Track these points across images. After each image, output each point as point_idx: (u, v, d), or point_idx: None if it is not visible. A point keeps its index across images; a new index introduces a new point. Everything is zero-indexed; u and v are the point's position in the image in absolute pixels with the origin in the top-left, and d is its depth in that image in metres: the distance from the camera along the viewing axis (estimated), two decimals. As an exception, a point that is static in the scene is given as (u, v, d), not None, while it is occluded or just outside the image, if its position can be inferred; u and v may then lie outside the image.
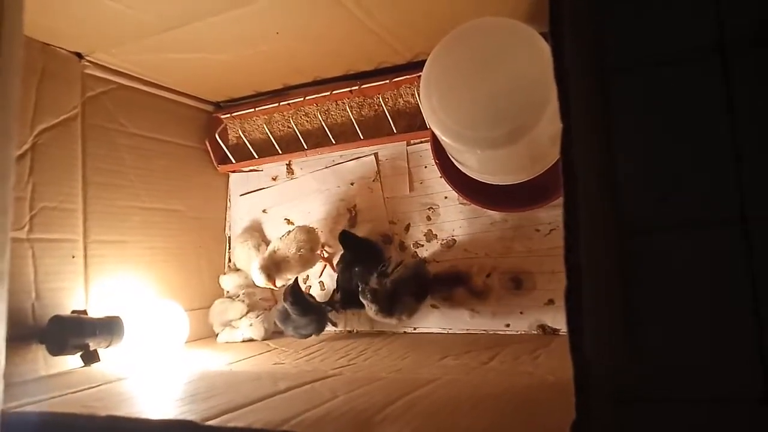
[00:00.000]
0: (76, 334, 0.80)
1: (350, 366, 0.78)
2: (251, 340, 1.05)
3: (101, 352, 0.84)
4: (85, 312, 0.85)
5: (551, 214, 0.92)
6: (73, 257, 0.87)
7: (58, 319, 0.80)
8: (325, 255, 1.11)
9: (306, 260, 1.01)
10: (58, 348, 0.79)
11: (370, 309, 0.89)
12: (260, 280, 0.98)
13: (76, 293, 0.86)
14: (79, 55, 0.92)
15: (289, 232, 1.02)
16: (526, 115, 0.66)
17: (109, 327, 0.84)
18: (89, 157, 0.92)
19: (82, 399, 0.60)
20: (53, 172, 0.86)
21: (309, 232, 1.03)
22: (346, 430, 0.42)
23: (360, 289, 0.91)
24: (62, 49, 0.89)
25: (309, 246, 1.01)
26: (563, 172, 0.36)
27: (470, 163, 0.80)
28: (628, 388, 0.33)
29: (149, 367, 0.83)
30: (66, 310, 0.83)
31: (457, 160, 0.83)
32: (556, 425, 0.43)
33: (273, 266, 0.99)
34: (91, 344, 0.81)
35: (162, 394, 0.62)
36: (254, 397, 0.54)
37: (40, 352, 0.79)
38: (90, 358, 0.81)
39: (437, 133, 0.70)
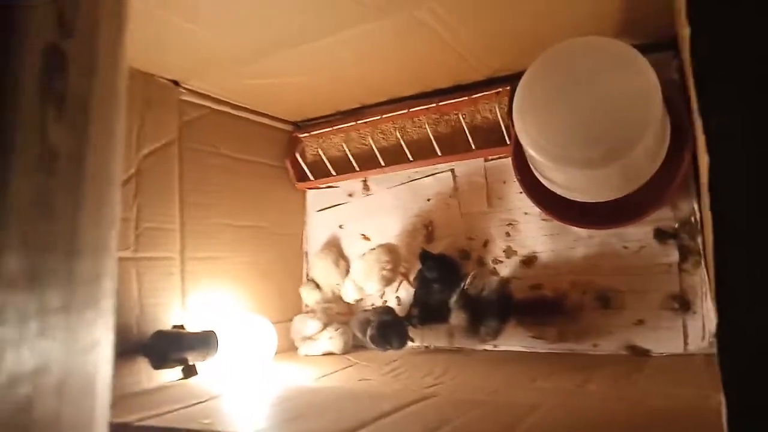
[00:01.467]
0: (176, 348, 0.84)
1: (440, 385, 0.78)
2: (330, 353, 1.07)
3: (198, 365, 0.88)
4: (182, 327, 0.90)
5: (641, 231, 0.89)
6: (172, 274, 0.92)
7: (160, 334, 0.84)
8: (402, 270, 1.12)
9: (388, 280, 1.03)
10: (160, 362, 0.83)
11: (459, 324, 0.88)
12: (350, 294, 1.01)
13: (173, 308, 0.91)
14: (176, 83, 0.97)
15: (372, 250, 1.05)
16: (626, 135, 0.65)
17: (206, 341, 0.88)
18: (185, 179, 0.97)
19: (197, 414, 0.63)
20: (154, 195, 0.91)
21: (392, 251, 1.05)
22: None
23: (449, 302, 0.91)
24: (161, 77, 0.95)
25: (391, 266, 1.03)
26: (714, 221, 0.35)
27: (559, 180, 0.79)
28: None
29: (243, 380, 0.86)
30: (165, 325, 0.88)
31: (544, 177, 0.82)
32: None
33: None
34: (189, 358, 0.85)
35: (268, 413, 0.64)
36: (361, 419, 0.55)
37: (142, 365, 0.84)
38: (189, 371, 0.85)
39: (530, 152, 0.70)
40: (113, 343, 0.49)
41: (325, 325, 1.10)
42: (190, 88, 0.99)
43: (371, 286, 1.08)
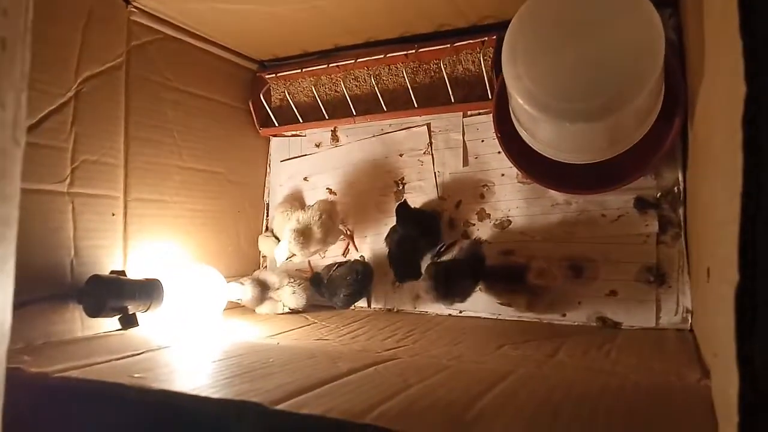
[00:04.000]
0: (115, 295, 0.76)
1: (402, 348, 0.73)
2: (293, 311, 1.00)
3: (139, 316, 0.80)
4: (123, 273, 0.81)
5: (621, 199, 0.85)
6: (113, 215, 0.83)
7: (97, 279, 0.76)
8: (347, 230, 1.07)
9: (327, 228, 0.96)
10: (96, 309, 0.75)
11: (427, 289, 0.83)
12: (296, 247, 0.94)
13: (114, 253, 0.82)
14: (126, 1, 0.86)
15: (312, 205, 0.99)
16: (625, 87, 0.60)
17: (149, 290, 0.80)
18: (132, 110, 0.87)
19: (129, 367, 0.56)
20: (96, 124, 0.81)
21: (330, 203, 1.02)
22: (437, 428, 0.37)
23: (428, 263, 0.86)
24: (109, -9, 0.84)
25: (328, 215, 0.97)
26: (745, 146, 0.29)
27: (545, 137, 0.73)
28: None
29: (189, 334, 0.79)
30: (104, 270, 0.80)
31: (528, 134, 0.76)
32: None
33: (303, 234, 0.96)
34: (129, 307, 0.77)
35: (212, 368, 0.57)
36: (317, 378, 0.50)
37: (77, 312, 0.76)
38: (129, 321, 0.77)
39: (520, 102, 0.64)
40: (14, 287, 0.40)
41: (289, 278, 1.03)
42: (142, 7, 0.88)
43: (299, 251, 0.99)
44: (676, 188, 0.82)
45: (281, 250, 0.96)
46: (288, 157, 1.17)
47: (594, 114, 0.60)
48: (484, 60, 0.94)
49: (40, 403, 0.53)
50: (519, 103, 0.64)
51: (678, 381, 0.52)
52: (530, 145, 0.79)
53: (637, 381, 0.52)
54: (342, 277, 0.95)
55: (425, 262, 0.89)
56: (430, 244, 0.93)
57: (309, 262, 1.08)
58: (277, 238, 1.05)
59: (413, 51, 0.99)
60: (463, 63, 0.98)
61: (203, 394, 0.45)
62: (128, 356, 0.61)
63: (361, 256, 1.07)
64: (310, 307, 1.03)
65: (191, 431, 0.46)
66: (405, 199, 1.00)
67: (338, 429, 0.38)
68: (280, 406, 0.41)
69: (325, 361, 0.58)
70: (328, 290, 0.96)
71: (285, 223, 1.07)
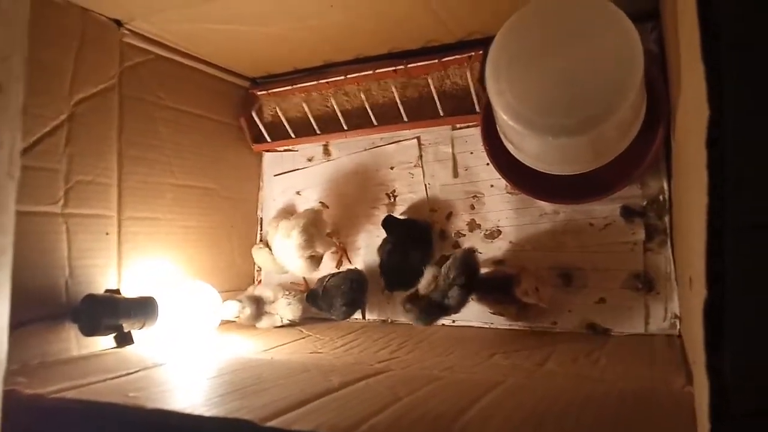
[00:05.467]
0: (110, 314, 0.77)
1: (394, 360, 0.74)
2: (291, 323, 1.01)
3: (134, 333, 0.81)
4: (118, 291, 0.82)
5: (607, 208, 0.87)
6: (107, 234, 0.84)
7: (91, 298, 0.76)
8: (339, 243, 1.08)
9: (310, 235, 0.98)
10: (91, 328, 0.76)
11: (414, 314, 0.84)
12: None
13: (108, 271, 0.83)
14: (118, 23, 0.88)
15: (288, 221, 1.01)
16: (605, 101, 0.61)
17: (143, 308, 0.81)
18: (125, 130, 0.88)
19: (124, 386, 0.57)
20: (90, 145, 0.82)
21: (315, 211, 1.04)
22: (426, 440, 0.38)
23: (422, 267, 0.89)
24: (102, 15, 0.85)
25: (311, 222, 0.99)
26: (709, 165, 0.31)
27: (530, 150, 0.75)
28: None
29: (184, 351, 0.80)
30: (99, 289, 0.80)
31: (514, 147, 0.78)
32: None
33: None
34: (125, 325, 0.78)
35: (206, 386, 0.58)
36: (308, 393, 0.51)
37: (72, 331, 0.76)
38: (124, 339, 0.78)
39: (504, 117, 0.65)
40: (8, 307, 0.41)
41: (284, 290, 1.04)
42: (133, 29, 0.89)
43: (293, 267, 1.01)
44: (661, 197, 0.84)
45: (229, 309, 0.97)
46: (281, 172, 1.18)
47: (576, 128, 0.62)
48: (471, 74, 0.95)
49: (37, 425, 0.54)
50: (502, 117, 0.66)
51: (664, 387, 0.53)
52: (517, 158, 0.80)
53: (623, 388, 0.53)
54: (336, 286, 0.96)
55: (419, 271, 0.90)
56: (421, 253, 0.95)
57: (304, 278, 1.09)
58: (269, 248, 1.06)
59: (402, 67, 1.01)
60: (451, 77, 1.00)
61: (196, 412, 0.46)
62: (123, 375, 0.62)
63: (355, 268, 1.08)
64: (305, 320, 1.04)
65: (186, 449, 0.47)
66: (389, 213, 1.02)
67: (328, 444, 0.39)
68: (270, 423, 0.42)
69: (317, 376, 0.59)
70: (325, 302, 0.97)
71: (275, 236, 1.08)
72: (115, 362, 0.70)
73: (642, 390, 0.53)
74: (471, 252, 0.90)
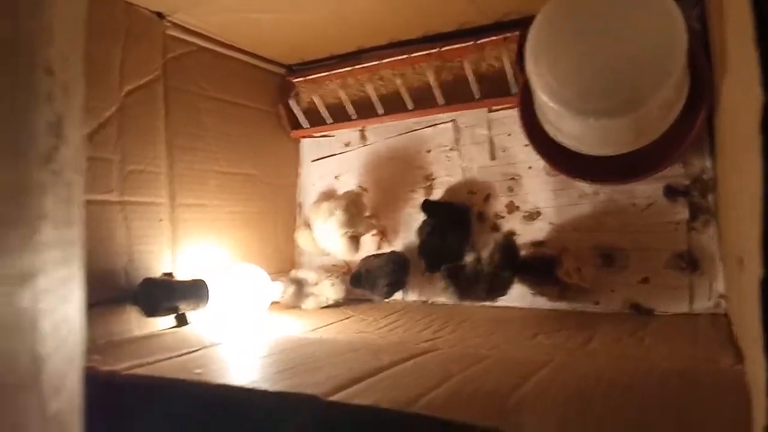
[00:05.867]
0: (167, 296, 0.81)
1: (439, 339, 0.76)
2: (334, 304, 1.04)
3: (188, 315, 0.85)
4: (172, 275, 0.86)
5: (650, 187, 0.86)
6: (161, 220, 0.88)
7: (149, 282, 0.81)
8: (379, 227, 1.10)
9: (351, 214, 1.00)
10: (150, 310, 0.80)
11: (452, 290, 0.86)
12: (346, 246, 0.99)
13: (163, 256, 0.87)
14: (161, 15, 0.90)
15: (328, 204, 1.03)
16: (647, 83, 0.61)
17: (196, 290, 0.85)
18: (171, 120, 0.91)
19: (188, 364, 0.60)
20: (139, 135, 0.86)
21: (356, 193, 1.07)
22: (481, 414, 0.40)
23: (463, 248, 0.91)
24: (145, 8, 0.88)
25: (352, 203, 1.02)
26: (763, 150, 0.31)
27: (569, 131, 0.75)
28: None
29: (236, 331, 0.83)
30: (155, 273, 0.85)
31: (553, 128, 0.78)
32: (706, 423, 0.39)
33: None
34: (181, 307, 0.82)
35: (262, 364, 0.61)
36: (361, 371, 0.53)
37: (132, 313, 0.81)
38: (180, 320, 0.83)
39: (544, 99, 0.66)
40: (85, 289, 0.45)
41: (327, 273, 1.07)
42: (175, 21, 0.92)
43: (335, 248, 1.03)
44: (704, 175, 0.83)
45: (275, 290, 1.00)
46: (319, 157, 1.20)
47: (618, 110, 0.62)
48: (507, 56, 0.95)
49: (113, 399, 0.58)
50: (542, 99, 0.66)
51: (711, 366, 0.54)
52: (556, 140, 0.80)
53: (668, 367, 0.54)
54: (380, 267, 0.98)
55: (458, 253, 0.92)
56: (460, 235, 0.96)
57: (345, 262, 1.12)
58: (311, 232, 1.09)
59: (436, 50, 1.01)
60: (487, 60, 1.00)
61: (259, 387, 0.49)
62: (185, 353, 0.66)
63: (396, 250, 1.10)
64: (348, 301, 1.06)
65: (248, 423, 0.50)
66: (427, 197, 1.04)
67: (389, 418, 0.41)
68: (333, 398, 0.44)
69: (366, 354, 0.61)
70: (368, 282, 0.99)
71: (316, 220, 1.11)
72: (174, 341, 0.74)
73: (688, 369, 0.54)
74: (511, 238, 0.90)
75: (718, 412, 0.41)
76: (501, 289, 0.85)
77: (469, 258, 0.87)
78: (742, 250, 0.56)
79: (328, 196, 1.17)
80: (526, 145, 0.95)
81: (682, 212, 0.84)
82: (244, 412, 0.50)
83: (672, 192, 0.85)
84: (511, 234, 0.91)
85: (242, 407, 0.50)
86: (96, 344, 0.72)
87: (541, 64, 0.65)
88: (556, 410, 0.40)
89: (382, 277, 0.97)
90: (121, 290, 0.80)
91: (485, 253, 0.86)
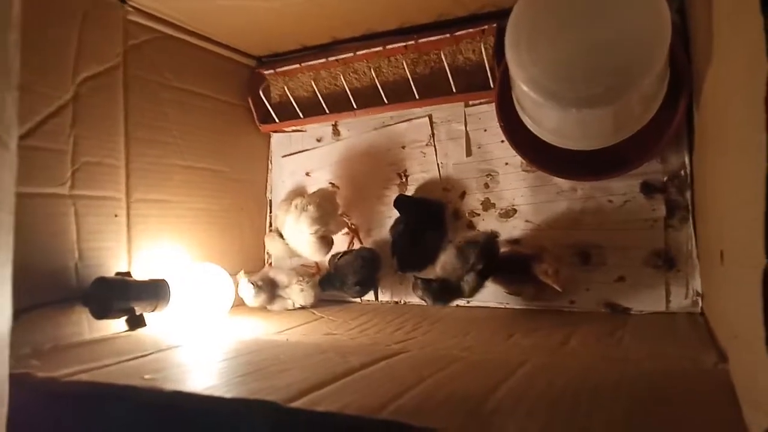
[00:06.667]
0: (121, 297, 0.76)
1: (411, 341, 0.72)
2: (302, 307, 1.00)
3: (147, 316, 0.80)
4: (129, 274, 0.81)
5: (627, 184, 0.85)
6: (116, 216, 0.82)
7: (102, 281, 0.75)
8: (351, 224, 1.06)
9: (325, 211, 0.97)
10: (102, 311, 0.74)
11: (426, 296, 0.82)
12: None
13: (119, 254, 0.82)
14: (122, 0, 0.85)
15: (297, 203, 0.98)
16: (632, 73, 0.59)
17: (155, 290, 0.80)
18: (132, 111, 0.86)
19: (139, 368, 0.55)
20: (96, 125, 0.80)
21: (329, 191, 1.04)
22: (457, 420, 0.36)
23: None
24: (104, -9, 0.82)
25: (325, 199, 0.99)
26: None
27: (549, 124, 0.73)
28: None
29: (198, 333, 0.78)
30: (110, 272, 0.79)
31: (532, 121, 0.76)
32: (695, 425, 0.37)
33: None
34: (136, 308, 0.77)
35: (224, 367, 0.57)
36: (329, 374, 0.49)
37: (84, 315, 0.75)
38: (136, 322, 0.77)
39: (524, 89, 0.63)
40: (18, 292, 0.40)
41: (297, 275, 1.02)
42: (138, 6, 0.87)
43: (304, 248, 0.99)
44: (682, 172, 0.82)
45: (246, 292, 0.95)
46: (289, 153, 1.16)
47: (599, 100, 0.59)
48: (485, 48, 0.93)
49: (51, 408, 0.53)
50: (523, 90, 0.63)
51: (693, 366, 0.52)
52: (535, 133, 0.78)
53: (652, 368, 0.52)
54: (349, 263, 0.94)
55: (432, 252, 0.89)
56: (433, 233, 0.93)
57: (316, 263, 1.08)
58: (281, 236, 1.04)
59: (413, 42, 0.98)
60: (464, 52, 0.97)
61: (216, 393, 0.44)
62: (137, 357, 0.61)
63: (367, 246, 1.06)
64: (317, 302, 1.02)
65: (205, 430, 0.45)
66: (401, 194, 1.01)
67: (355, 425, 0.37)
68: (294, 404, 0.40)
69: (335, 357, 0.57)
70: (338, 280, 0.95)
71: (286, 218, 1.06)
72: (128, 345, 0.69)
73: (671, 369, 0.52)
74: (493, 237, 0.87)
75: (706, 412, 0.38)
76: (471, 291, 0.82)
77: (443, 258, 0.84)
78: (723, 243, 0.54)
79: (298, 193, 1.13)
80: (503, 141, 0.93)
81: (659, 209, 0.82)
82: (200, 421, 0.46)
83: (649, 189, 0.83)
84: (494, 236, 0.88)
85: (197, 415, 0.46)
86: (39, 349, 0.66)
87: (522, 53, 0.63)
88: (541, 412, 0.36)
89: (351, 274, 0.94)
90: (71, 290, 0.74)
91: (464, 252, 0.82)
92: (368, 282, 0.96)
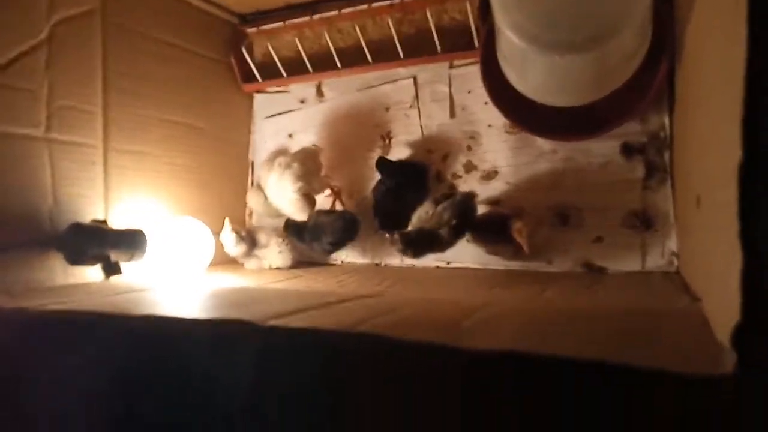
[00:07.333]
0: (97, 243, 0.75)
1: (392, 290, 0.72)
2: (277, 269, 0.99)
3: (123, 266, 0.78)
4: (105, 222, 0.79)
5: (607, 145, 0.85)
6: (93, 164, 0.80)
7: (77, 227, 0.74)
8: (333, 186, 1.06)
9: (308, 169, 0.96)
10: (76, 257, 0.73)
11: (401, 244, 0.82)
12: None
13: (95, 202, 0.80)
14: (99, -60, 0.83)
15: (281, 160, 0.97)
16: (615, 17, 0.59)
17: (131, 239, 0.78)
18: (110, 58, 0.84)
19: (113, 302, 0.55)
20: (72, 70, 0.78)
21: (313, 149, 1.02)
22: (433, 333, 0.36)
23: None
24: (81, -70, 0.80)
25: (309, 157, 0.98)
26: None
27: (533, 77, 0.73)
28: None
29: (174, 282, 0.78)
30: (85, 219, 0.78)
31: (516, 75, 0.76)
32: (677, 341, 0.37)
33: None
34: (112, 256, 0.76)
35: (199, 302, 0.56)
36: (306, 305, 0.49)
37: (57, 260, 0.74)
38: (111, 269, 0.76)
39: (509, 34, 0.63)
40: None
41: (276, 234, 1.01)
42: (116, -52, 0.85)
43: (287, 206, 0.97)
44: (662, 133, 0.82)
45: (227, 239, 0.95)
46: (272, 114, 1.14)
47: (584, 45, 0.60)
48: (470, 8, 0.92)
49: (19, 340, 0.52)
50: (508, 37, 0.63)
51: (668, 305, 0.53)
52: (517, 88, 0.78)
53: (628, 307, 0.52)
54: (329, 223, 0.94)
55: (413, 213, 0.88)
56: (415, 194, 0.93)
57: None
58: (264, 193, 1.03)
59: (398, 1, 0.97)
60: (449, 12, 0.97)
61: (191, 317, 0.44)
62: (111, 295, 0.60)
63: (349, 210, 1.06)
64: (295, 265, 1.02)
65: (181, 357, 0.45)
66: (381, 156, 1.00)
67: (331, 340, 0.37)
68: (271, 322, 0.40)
69: (314, 297, 0.57)
70: (311, 235, 0.95)
71: (269, 176, 1.05)
72: (102, 288, 0.68)
73: (647, 307, 0.53)
74: (470, 196, 0.88)
75: (680, 333, 0.39)
76: (445, 244, 0.82)
77: (420, 211, 0.84)
78: (701, 189, 0.55)
79: (281, 154, 1.11)
80: (486, 103, 0.92)
81: (638, 170, 0.83)
82: (172, 347, 0.45)
83: (629, 150, 0.84)
84: (471, 195, 0.88)
85: (170, 341, 0.45)
86: (10, 290, 0.65)
87: (506, -1, 0.63)
88: (509, 328, 0.37)
89: (330, 234, 0.93)
90: (44, 234, 0.72)
91: (439, 208, 0.83)
92: (341, 245, 0.96)
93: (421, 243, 0.81)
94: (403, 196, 0.95)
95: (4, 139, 0.69)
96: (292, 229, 0.97)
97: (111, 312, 0.47)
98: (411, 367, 0.33)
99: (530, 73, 0.71)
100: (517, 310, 0.45)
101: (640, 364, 0.27)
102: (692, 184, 0.62)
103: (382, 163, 0.98)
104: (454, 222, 0.82)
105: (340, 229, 0.94)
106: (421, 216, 0.84)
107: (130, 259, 0.78)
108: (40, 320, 0.50)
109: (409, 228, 0.85)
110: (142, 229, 0.80)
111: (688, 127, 0.68)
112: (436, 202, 0.84)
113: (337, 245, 0.96)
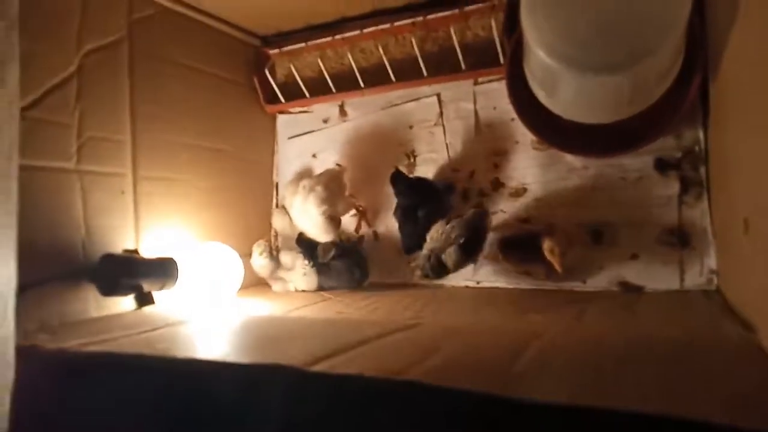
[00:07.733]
0: (129, 274, 0.75)
1: (425, 317, 0.71)
2: (304, 291, 0.99)
3: (154, 294, 0.79)
4: (136, 252, 0.80)
5: (640, 161, 0.83)
6: (123, 193, 0.81)
7: (109, 258, 0.74)
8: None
9: (332, 191, 0.96)
10: (109, 288, 0.73)
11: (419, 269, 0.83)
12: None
13: (126, 232, 0.81)
14: (124, -28, 0.84)
15: (305, 184, 0.98)
16: (651, 38, 0.57)
17: (163, 268, 0.78)
18: (137, 86, 0.85)
19: (150, 340, 0.54)
20: (101, 100, 0.79)
21: (337, 171, 1.03)
22: (483, 378, 0.35)
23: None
24: (107, -38, 0.81)
25: (332, 179, 0.98)
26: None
27: (564, 95, 0.71)
28: None
29: (206, 311, 0.77)
30: (116, 249, 0.78)
31: (545, 93, 0.74)
32: (729, 389, 0.36)
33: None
34: (144, 286, 0.76)
35: (236, 339, 0.56)
36: (345, 343, 0.48)
37: (90, 292, 0.74)
38: (144, 300, 0.76)
39: (540, 54, 0.62)
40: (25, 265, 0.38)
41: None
42: (141, -21, 0.86)
43: (312, 229, 0.98)
44: (696, 147, 0.80)
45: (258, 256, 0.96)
46: (295, 134, 1.14)
47: (617, 65, 0.58)
48: (495, 24, 0.91)
49: (60, 381, 0.52)
50: (538, 56, 0.62)
51: (716, 333, 0.51)
52: (547, 106, 0.76)
53: (676, 336, 0.51)
54: (342, 271, 0.96)
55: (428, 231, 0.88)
56: (430, 212, 0.91)
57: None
58: (288, 214, 1.02)
59: (421, 19, 0.97)
60: (473, 29, 0.96)
61: (230, 360, 0.43)
62: (148, 331, 0.59)
63: (374, 231, 1.05)
64: (318, 288, 1.01)
65: (220, 399, 0.44)
66: (397, 167, 0.98)
67: (378, 387, 0.36)
68: (315, 368, 0.39)
69: (350, 329, 0.56)
70: (330, 274, 0.97)
71: (293, 199, 1.04)
72: (136, 320, 0.68)
73: (699, 340, 0.51)
74: (481, 214, 0.87)
75: (738, 370, 0.37)
76: (453, 267, 0.83)
77: (432, 231, 0.85)
78: (747, 210, 0.53)
79: (305, 175, 1.11)
80: (513, 119, 0.91)
81: (673, 186, 0.81)
82: (215, 388, 0.44)
83: (663, 165, 0.82)
84: (482, 213, 0.87)
85: (210, 384, 0.44)
86: (46, 324, 0.65)
87: (539, 17, 0.61)
88: (564, 377, 0.35)
89: (346, 278, 0.96)
90: (77, 266, 0.73)
91: (448, 227, 0.83)
92: (354, 285, 0.98)
93: (435, 269, 0.81)
94: (420, 217, 0.93)
95: (39, 173, 0.70)
96: (305, 246, 0.99)
97: (151, 354, 0.47)
98: (465, 418, 0.32)
99: (561, 91, 0.69)
100: (565, 349, 0.44)
101: (717, 421, 0.25)
102: (736, 205, 0.60)
103: (397, 177, 0.97)
104: (462, 240, 0.82)
105: (347, 280, 0.97)
106: (433, 236, 0.84)
107: (161, 288, 0.78)
108: (81, 362, 0.50)
109: (424, 249, 0.85)
110: (173, 258, 0.80)
111: (728, 143, 0.66)
112: (448, 221, 0.84)
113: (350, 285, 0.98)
